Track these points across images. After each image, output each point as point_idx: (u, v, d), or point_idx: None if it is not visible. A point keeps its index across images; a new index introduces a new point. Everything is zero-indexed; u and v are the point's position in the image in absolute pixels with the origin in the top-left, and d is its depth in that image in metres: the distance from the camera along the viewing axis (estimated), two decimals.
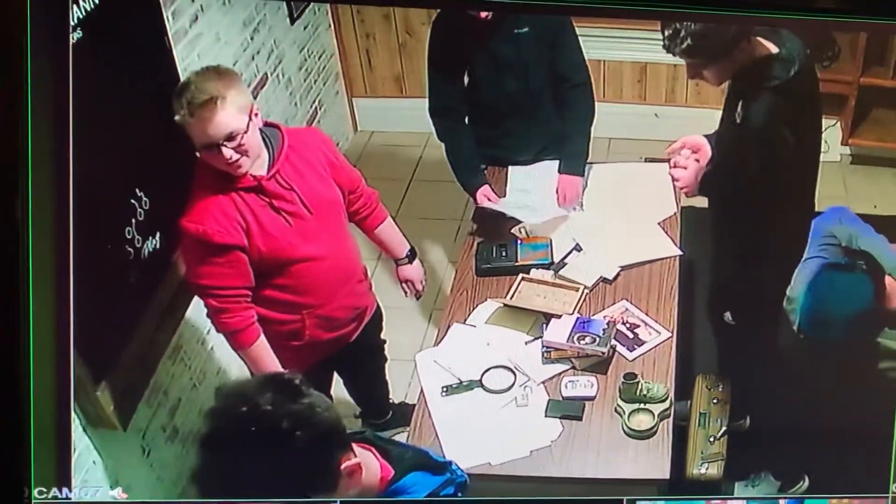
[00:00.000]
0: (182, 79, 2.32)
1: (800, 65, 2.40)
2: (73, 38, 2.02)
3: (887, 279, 2.56)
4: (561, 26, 2.80)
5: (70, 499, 2.12)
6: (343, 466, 1.83)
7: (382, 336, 2.70)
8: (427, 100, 2.84)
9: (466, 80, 2.86)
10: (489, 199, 2.89)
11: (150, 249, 2.36)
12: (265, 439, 1.77)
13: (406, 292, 2.72)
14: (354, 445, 1.90)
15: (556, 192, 2.90)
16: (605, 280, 2.74)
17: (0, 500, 2.08)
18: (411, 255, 2.69)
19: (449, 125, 2.87)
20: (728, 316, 2.78)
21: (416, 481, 1.98)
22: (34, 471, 2.07)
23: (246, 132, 2.28)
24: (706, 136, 2.65)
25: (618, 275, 2.75)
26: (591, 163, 2.95)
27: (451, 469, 2.05)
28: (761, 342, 2.78)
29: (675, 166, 2.64)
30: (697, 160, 2.63)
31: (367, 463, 1.90)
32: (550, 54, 2.84)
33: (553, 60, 2.86)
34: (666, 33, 2.39)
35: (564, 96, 2.91)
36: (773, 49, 2.41)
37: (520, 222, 2.88)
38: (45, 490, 2.09)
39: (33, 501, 2.09)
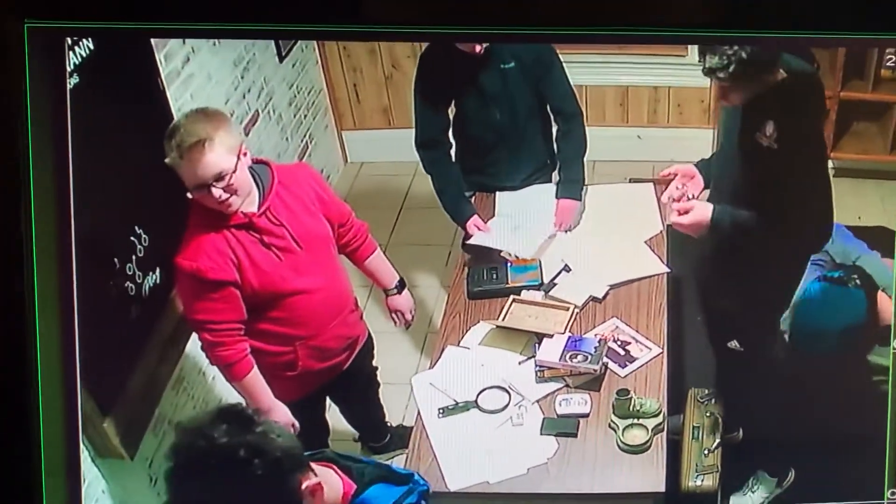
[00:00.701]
0: (175, 119, 2.37)
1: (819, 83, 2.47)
2: (70, 84, 2.06)
3: (880, 295, 2.54)
4: (547, 61, 2.83)
5: None
6: (304, 487, 1.87)
7: (374, 363, 2.71)
8: (413, 132, 2.86)
9: (453, 111, 2.89)
10: (479, 229, 2.92)
11: (151, 284, 2.40)
12: (225, 470, 1.82)
13: (396, 322, 2.73)
14: (314, 465, 1.94)
15: (555, 216, 2.92)
16: (594, 299, 2.76)
17: None
18: (400, 286, 2.71)
19: (435, 157, 2.89)
20: (735, 343, 2.80)
21: (379, 493, 2.00)
22: (46, 502, 2.08)
23: (234, 171, 2.32)
24: (696, 163, 2.69)
25: (607, 293, 2.77)
26: None
27: (413, 479, 2.06)
28: (758, 358, 2.79)
29: (678, 213, 2.64)
30: (692, 195, 2.65)
31: (328, 480, 1.94)
32: (538, 88, 2.87)
33: (542, 94, 2.89)
34: (710, 60, 2.40)
35: (559, 128, 2.94)
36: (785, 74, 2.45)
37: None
38: None
39: None
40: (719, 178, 2.66)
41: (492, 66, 2.81)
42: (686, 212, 2.63)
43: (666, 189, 2.69)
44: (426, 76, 2.81)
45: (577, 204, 2.93)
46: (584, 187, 2.95)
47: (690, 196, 2.65)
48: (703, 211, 2.61)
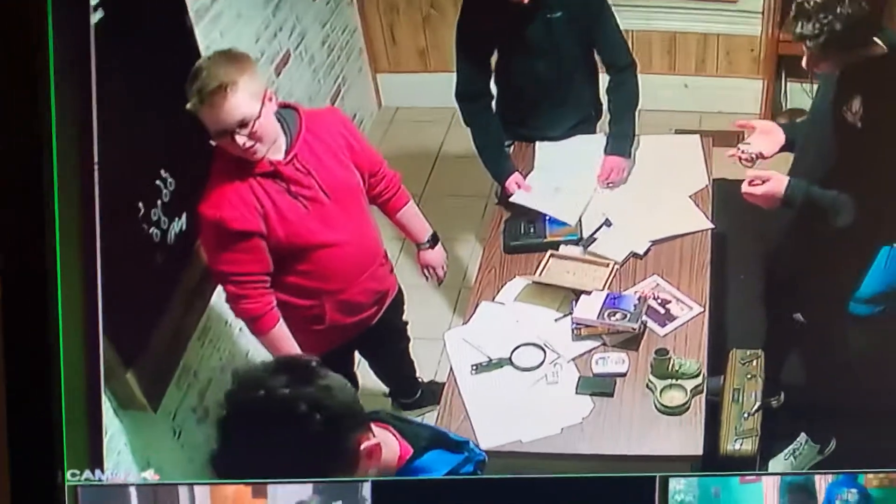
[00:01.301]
0: (199, 60, 2.31)
1: None
2: (94, 19, 2.01)
3: None
4: (597, 10, 2.76)
5: (102, 481, 2.13)
6: (362, 447, 1.82)
7: (404, 318, 2.69)
8: (454, 83, 2.82)
9: (495, 61, 2.83)
10: (520, 187, 2.87)
11: (177, 231, 2.37)
12: (283, 422, 1.76)
13: (427, 277, 2.71)
14: (373, 425, 1.89)
15: (601, 171, 2.87)
16: (635, 255, 2.72)
17: (34, 482, 2.10)
18: (433, 240, 2.67)
19: (476, 110, 2.85)
20: (799, 316, 2.74)
21: (435, 459, 1.96)
22: (67, 453, 2.08)
23: (258, 118, 2.26)
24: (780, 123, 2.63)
25: (648, 249, 2.72)
26: None
27: (468, 448, 2.03)
28: (821, 333, 2.77)
29: (750, 183, 2.56)
30: (761, 154, 2.59)
31: (387, 442, 1.89)
32: (587, 38, 2.81)
33: (591, 44, 2.83)
34: (804, 27, 2.32)
35: (611, 79, 2.88)
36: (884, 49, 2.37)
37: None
38: (77, 472, 2.11)
39: (66, 483, 2.10)
40: (802, 148, 2.60)
41: (538, 15, 2.74)
42: (761, 182, 2.54)
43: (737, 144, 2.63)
44: (469, 25, 2.76)
45: (626, 161, 2.88)
46: (636, 142, 2.90)
47: (755, 156, 2.58)
48: (777, 183, 2.54)
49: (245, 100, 2.23)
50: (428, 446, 1.96)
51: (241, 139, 2.25)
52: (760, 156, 2.59)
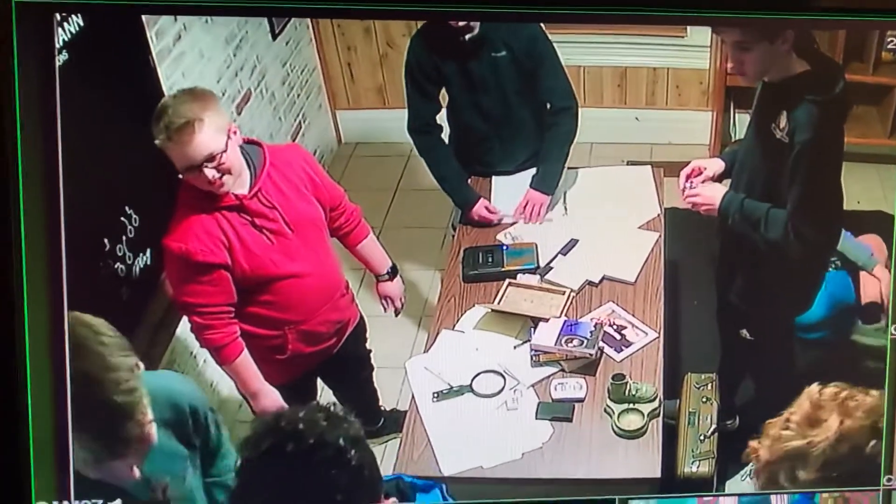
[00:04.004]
0: (163, 99, 2.33)
1: (842, 80, 2.42)
2: (59, 61, 2.03)
3: (862, 274, 2.57)
4: (540, 53, 2.79)
5: None
6: None
7: (368, 346, 2.70)
8: (407, 118, 2.84)
9: (447, 98, 2.87)
10: (489, 218, 2.92)
11: (141, 266, 2.38)
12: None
13: (385, 308, 2.73)
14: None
15: (520, 204, 2.92)
16: (590, 283, 2.75)
17: None
18: (392, 272, 2.71)
19: (428, 143, 2.88)
20: (745, 333, 2.78)
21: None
22: (35, 485, 2.08)
23: (225, 151, 2.30)
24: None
25: (603, 278, 2.76)
26: (575, 168, 2.96)
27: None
28: (767, 348, 2.80)
29: (691, 187, 2.64)
30: (711, 177, 2.65)
31: None
32: (531, 79, 2.85)
33: (535, 85, 2.87)
34: None
35: (548, 119, 2.92)
36: (807, 66, 2.43)
37: (505, 228, 2.91)
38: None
39: None
40: (739, 165, 2.65)
41: (483, 53, 2.78)
42: (700, 182, 2.64)
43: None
44: (415, 62, 2.79)
45: (546, 198, 2.92)
46: (574, 169, 2.96)
47: (710, 175, 2.65)
48: (715, 191, 2.62)
49: (211, 135, 2.28)
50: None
51: (209, 172, 2.29)
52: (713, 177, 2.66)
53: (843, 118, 2.47)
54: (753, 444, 1.97)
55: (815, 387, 1.97)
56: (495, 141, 2.95)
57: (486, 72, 2.81)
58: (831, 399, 1.93)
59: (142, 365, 1.96)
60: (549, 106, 2.91)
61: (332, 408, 1.94)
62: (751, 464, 2.25)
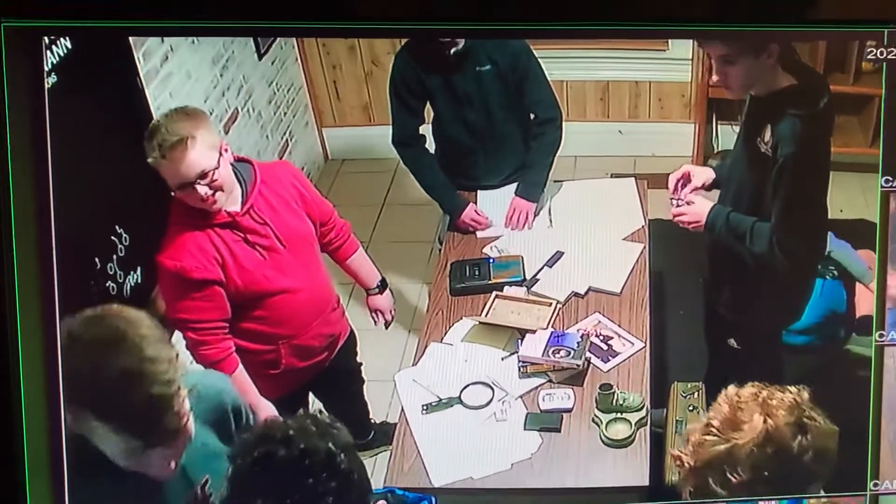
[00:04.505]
0: (154, 118, 2.36)
1: (828, 95, 2.45)
2: (48, 83, 2.04)
3: (857, 285, 2.59)
4: (524, 67, 2.82)
5: None
6: None
7: (358, 359, 2.71)
8: (392, 131, 2.87)
9: (431, 113, 2.89)
10: (478, 222, 2.95)
11: (132, 284, 2.39)
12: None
13: (375, 321, 2.75)
14: None
15: (507, 212, 2.94)
16: (576, 294, 2.77)
17: None
18: (381, 286, 2.72)
19: (413, 154, 2.90)
20: (732, 342, 2.79)
21: None
22: (29, 495, 2.07)
23: (217, 168, 2.33)
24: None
25: (589, 289, 2.78)
26: (559, 181, 2.98)
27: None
28: (754, 356, 2.80)
29: (677, 205, 2.66)
30: (699, 186, 2.67)
31: None
32: (516, 91, 2.87)
33: (520, 98, 2.89)
34: None
35: (533, 130, 2.95)
36: (794, 81, 2.46)
37: (491, 241, 2.92)
38: None
39: None
40: (728, 177, 2.67)
41: (467, 67, 2.81)
42: (688, 205, 2.65)
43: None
44: (400, 76, 2.81)
45: (531, 205, 2.94)
46: (558, 182, 2.97)
47: (697, 184, 2.67)
48: (702, 207, 2.64)
49: (203, 152, 2.30)
50: None
51: (201, 189, 2.32)
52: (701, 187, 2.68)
53: (828, 133, 2.49)
54: (675, 452, 1.97)
55: (731, 389, 1.97)
56: (480, 154, 2.96)
57: (471, 86, 2.84)
58: (752, 399, 1.92)
59: (181, 356, 1.97)
60: (533, 117, 2.93)
61: (319, 415, 1.97)
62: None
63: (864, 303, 2.58)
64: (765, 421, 1.86)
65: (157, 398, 1.86)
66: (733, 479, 1.85)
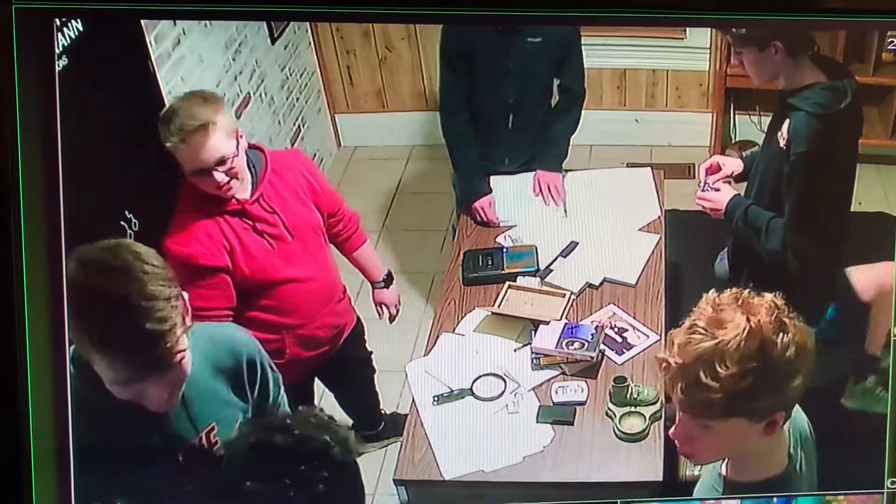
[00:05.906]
0: (167, 102, 2.34)
1: (852, 97, 2.42)
2: (58, 66, 2.03)
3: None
4: (570, 42, 2.81)
5: None
6: None
7: (368, 348, 2.71)
8: (439, 99, 2.88)
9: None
10: (488, 214, 2.93)
11: None
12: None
13: (380, 314, 2.74)
14: None
15: (539, 186, 2.93)
16: (591, 286, 2.75)
17: None
18: (387, 280, 2.72)
19: (455, 127, 2.89)
20: None
21: None
22: (35, 493, 2.07)
23: (237, 155, 2.32)
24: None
25: (603, 280, 2.76)
26: (573, 170, 2.97)
27: None
28: None
29: (703, 190, 2.66)
30: (728, 175, 2.67)
31: None
32: (556, 65, 2.86)
33: (558, 73, 2.88)
34: None
35: (560, 104, 2.93)
36: (822, 78, 2.45)
37: (505, 230, 2.91)
38: None
39: None
40: (755, 170, 2.66)
41: (519, 37, 2.79)
42: (715, 191, 2.65)
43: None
44: (451, 41, 2.80)
45: (557, 175, 2.94)
46: (573, 171, 2.96)
47: (727, 173, 2.67)
48: (724, 195, 2.64)
49: (223, 138, 2.29)
50: None
51: (218, 176, 2.31)
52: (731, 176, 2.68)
53: (852, 135, 2.47)
54: (659, 356, 1.98)
55: (712, 293, 1.98)
56: (508, 131, 2.94)
57: (516, 57, 2.81)
58: (732, 301, 1.94)
59: (184, 296, 2.01)
60: (561, 95, 2.92)
61: (320, 412, 2.00)
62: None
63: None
64: (748, 319, 1.88)
65: (148, 332, 1.90)
66: (724, 372, 1.86)
